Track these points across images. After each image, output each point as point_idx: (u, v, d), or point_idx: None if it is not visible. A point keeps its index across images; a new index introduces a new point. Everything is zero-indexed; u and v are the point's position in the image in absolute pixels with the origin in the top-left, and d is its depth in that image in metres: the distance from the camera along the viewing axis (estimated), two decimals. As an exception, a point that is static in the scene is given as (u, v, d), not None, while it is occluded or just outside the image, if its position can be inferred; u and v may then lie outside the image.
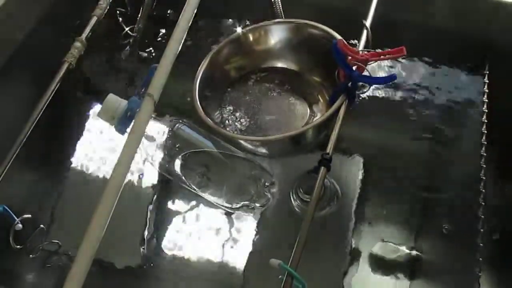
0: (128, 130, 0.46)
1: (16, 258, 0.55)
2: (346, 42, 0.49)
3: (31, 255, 0.53)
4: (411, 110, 0.64)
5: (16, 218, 0.50)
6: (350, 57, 0.50)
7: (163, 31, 0.72)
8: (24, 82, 0.65)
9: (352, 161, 0.61)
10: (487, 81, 0.61)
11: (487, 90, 0.61)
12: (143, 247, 0.57)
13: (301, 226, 0.43)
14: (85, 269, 0.37)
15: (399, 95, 0.65)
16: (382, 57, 0.50)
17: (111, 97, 0.49)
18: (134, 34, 0.67)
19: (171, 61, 0.47)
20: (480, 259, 0.50)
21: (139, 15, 0.66)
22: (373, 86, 0.66)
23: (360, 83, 0.54)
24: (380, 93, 0.65)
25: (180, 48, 0.47)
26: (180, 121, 0.52)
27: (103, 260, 0.56)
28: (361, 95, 0.65)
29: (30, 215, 0.51)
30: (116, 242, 0.57)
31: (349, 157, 0.61)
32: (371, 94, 0.65)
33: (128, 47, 0.69)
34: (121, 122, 0.48)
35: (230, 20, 0.71)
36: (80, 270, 0.37)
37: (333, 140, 0.47)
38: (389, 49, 0.50)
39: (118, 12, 0.68)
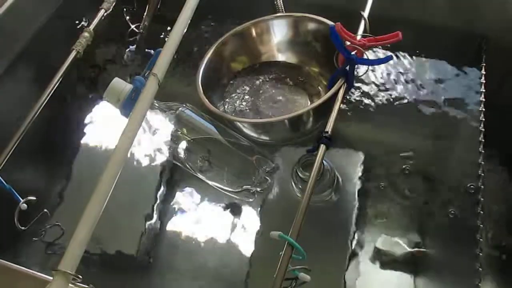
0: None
1: (20, 240, 0.55)
2: (343, 27, 0.51)
3: (34, 238, 0.54)
4: (410, 104, 0.65)
5: (21, 199, 0.51)
6: (348, 43, 0.52)
7: (169, 29, 0.73)
8: (35, 73, 0.67)
9: (353, 155, 0.61)
10: (484, 73, 0.63)
11: (484, 81, 0.62)
12: (146, 234, 0.57)
13: (302, 198, 0.43)
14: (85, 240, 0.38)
15: (397, 90, 0.66)
16: (379, 42, 0.51)
17: (117, 80, 0.51)
18: (140, 31, 0.69)
19: (176, 43, 0.49)
20: (480, 254, 0.51)
21: (145, 13, 0.68)
22: (372, 81, 0.67)
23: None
24: (378, 89, 0.67)
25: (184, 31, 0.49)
26: (184, 105, 0.54)
27: (105, 250, 0.56)
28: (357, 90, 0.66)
29: (35, 198, 0.52)
30: (119, 230, 0.58)
31: (349, 151, 0.62)
32: (368, 89, 0.67)
33: (134, 44, 0.71)
34: (126, 104, 0.50)
35: (232, 16, 0.72)
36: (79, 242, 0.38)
37: (332, 120, 0.49)
38: (385, 35, 0.52)
39: (124, 9, 0.70)
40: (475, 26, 0.66)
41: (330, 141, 0.47)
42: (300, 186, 0.53)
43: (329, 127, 0.48)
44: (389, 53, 0.62)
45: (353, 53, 0.51)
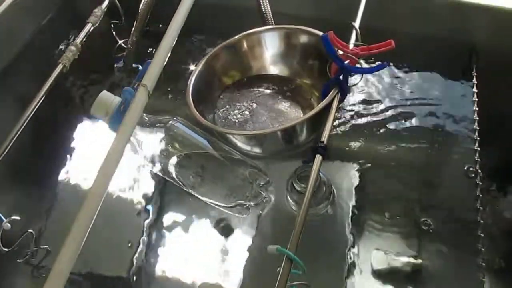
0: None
1: (3, 262, 0.53)
2: (335, 36, 0.51)
3: (18, 260, 0.51)
4: (402, 116, 0.64)
5: (4, 218, 0.48)
6: (341, 52, 0.51)
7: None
8: (20, 89, 0.66)
9: (347, 168, 0.60)
10: (475, 82, 0.63)
11: (476, 90, 0.62)
12: (136, 255, 0.55)
13: (299, 211, 0.42)
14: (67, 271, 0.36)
15: (388, 102, 0.66)
16: (372, 51, 0.51)
17: (105, 93, 0.49)
18: (127, 46, 0.68)
19: (166, 53, 0.47)
20: (483, 264, 0.50)
21: (133, 28, 0.67)
22: (363, 94, 0.67)
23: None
24: (371, 101, 0.66)
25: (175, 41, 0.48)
26: (174, 118, 0.52)
27: (94, 273, 0.54)
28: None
29: (19, 217, 0.50)
30: (107, 252, 0.55)
31: (343, 164, 0.61)
32: (362, 103, 0.66)
33: (121, 60, 0.70)
34: (115, 117, 0.48)
35: (221, 31, 0.72)
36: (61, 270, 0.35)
37: (327, 129, 0.47)
38: (378, 44, 0.51)
39: (112, 25, 0.69)
40: (465, 36, 0.66)
41: (326, 151, 0.46)
42: (295, 199, 0.52)
43: (324, 137, 0.47)
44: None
45: (346, 62, 0.51)
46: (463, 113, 0.63)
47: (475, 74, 0.64)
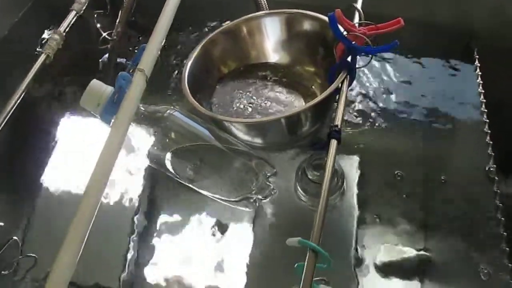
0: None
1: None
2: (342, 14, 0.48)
3: (3, 271, 0.46)
4: (407, 107, 0.62)
5: (-14, 225, 0.43)
6: (347, 32, 0.48)
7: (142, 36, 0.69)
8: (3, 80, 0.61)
9: (350, 161, 0.58)
10: (478, 64, 0.61)
11: (480, 73, 0.61)
12: (128, 263, 0.51)
13: (320, 199, 0.39)
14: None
15: (393, 92, 0.63)
16: (380, 30, 0.48)
17: (96, 82, 0.45)
18: (113, 38, 0.64)
19: (163, 37, 0.44)
20: (507, 249, 0.47)
21: (118, 19, 0.63)
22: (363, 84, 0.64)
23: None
24: (373, 92, 0.64)
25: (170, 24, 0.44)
26: (172, 107, 0.48)
27: (83, 278, 0.49)
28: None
29: (2, 223, 0.45)
30: (97, 261, 0.51)
31: (350, 157, 0.58)
32: (361, 92, 0.64)
33: (106, 52, 0.66)
34: (107, 108, 0.44)
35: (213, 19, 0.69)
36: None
37: (340, 112, 0.45)
38: (386, 23, 0.49)
39: (96, 15, 0.65)
40: (466, 22, 0.65)
41: (340, 136, 0.43)
42: (306, 188, 0.48)
43: (338, 121, 0.44)
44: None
45: (353, 42, 0.48)
46: (469, 97, 0.61)
47: (477, 56, 0.62)
